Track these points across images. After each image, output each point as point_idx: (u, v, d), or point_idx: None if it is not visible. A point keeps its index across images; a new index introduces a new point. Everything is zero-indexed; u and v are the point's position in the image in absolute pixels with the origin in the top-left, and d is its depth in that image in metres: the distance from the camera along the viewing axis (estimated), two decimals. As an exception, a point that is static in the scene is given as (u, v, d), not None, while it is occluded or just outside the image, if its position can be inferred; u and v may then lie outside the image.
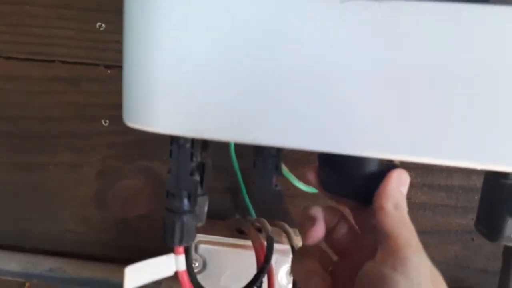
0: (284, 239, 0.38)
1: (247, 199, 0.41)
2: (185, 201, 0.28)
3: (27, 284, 0.48)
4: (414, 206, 0.41)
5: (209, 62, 0.23)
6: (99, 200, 0.45)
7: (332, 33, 0.21)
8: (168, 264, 0.29)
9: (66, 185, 0.46)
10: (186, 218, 0.28)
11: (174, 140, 0.27)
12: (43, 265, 0.45)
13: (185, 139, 0.27)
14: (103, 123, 0.45)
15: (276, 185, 0.28)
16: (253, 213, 0.42)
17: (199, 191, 0.30)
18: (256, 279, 0.34)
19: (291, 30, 0.22)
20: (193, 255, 0.39)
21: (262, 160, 0.26)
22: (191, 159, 0.27)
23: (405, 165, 0.25)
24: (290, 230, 0.38)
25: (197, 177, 0.28)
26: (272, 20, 0.22)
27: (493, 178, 0.27)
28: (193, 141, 0.27)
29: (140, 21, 0.23)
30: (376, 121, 0.22)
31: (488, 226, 0.27)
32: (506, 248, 0.28)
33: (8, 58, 0.44)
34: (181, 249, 0.29)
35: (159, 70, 0.23)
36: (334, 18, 0.21)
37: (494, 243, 0.27)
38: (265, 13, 0.22)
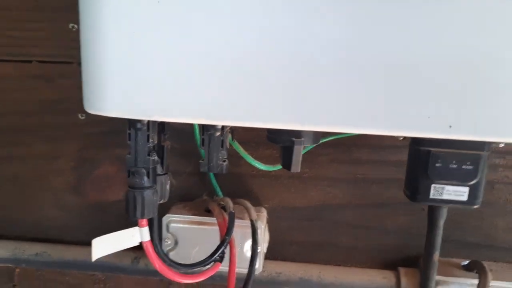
0: (246, 215, 0.42)
1: (213, 181, 0.45)
2: (145, 178, 0.31)
3: (17, 270, 0.52)
4: (368, 181, 0.45)
5: (153, 49, 0.26)
6: (77, 187, 0.49)
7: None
8: (133, 236, 0.33)
9: (45, 174, 0.49)
10: (146, 193, 0.31)
11: (131, 123, 0.30)
12: (29, 250, 0.49)
13: (141, 123, 0.30)
14: (80, 116, 0.48)
15: (224, 160, 0.31)
16: (220, 193, 0.45)
17: (160, 170, 0.34)
18: (217, 250, 0.37)
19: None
20: (165, 233, 0.43)
21: (208, 137, 0.30)
22: (147, 141, 0.31)
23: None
24: (252, 207, 0.42)
25: (154, 157, 0.32)
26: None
27: (412, 147, 0.30)
28: (149, 124, 0.31)
29: (88, 17, 0.26)
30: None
31: (411, 189, 0.30)
32: (429, 208, 0.31)
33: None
34: (144, 221, 0.33)
35: (108, 61, 0.26)
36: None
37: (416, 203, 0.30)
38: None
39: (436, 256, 0.33)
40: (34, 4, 0.46)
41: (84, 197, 0.49)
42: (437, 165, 0.29)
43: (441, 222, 0.31)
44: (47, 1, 0.45)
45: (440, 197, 0.29)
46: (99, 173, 0.48)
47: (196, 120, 0.27)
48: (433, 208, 0.31)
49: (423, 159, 0.29)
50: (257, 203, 0.46)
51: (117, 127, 0.45)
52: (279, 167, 0.40)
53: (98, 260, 0.47)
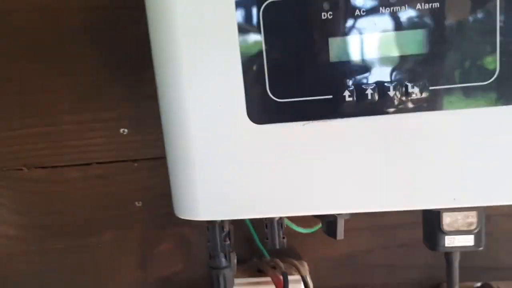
0: (294, 271, 0.50)
1: (260, 245, 0.53)
2: (223, 260, 0.40)
3: None
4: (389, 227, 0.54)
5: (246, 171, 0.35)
6: (142, 264, 0.57)
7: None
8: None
9: (115, 257, 0.57)
10: (226, 271, 0.40)
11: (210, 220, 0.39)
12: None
13: (217, 218, 0.39)
14: (137, 204, 0.56)
15: (283, 237, 0.40)
16: (266, 255, 0.54)
17: (229, 249, 0.42)
18: (280, 305, 0.45)
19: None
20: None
21: (271, 223, 0.39)
22: (223, 230, 0.40)
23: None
24: (298, 264, 0.50)
25: (228, 241, 0.40)
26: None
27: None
28: (222, 218, 0.40)
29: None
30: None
31: (430, 241, 0.39)
32: (446, 254, 0.40)
33: (54, 167, 0.56)
34: (226, 294, 0.41)
35: (198, 177, 0.35)
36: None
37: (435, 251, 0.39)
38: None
39: (457, 288, 0.41)
40: (92, 117, 0.55)
41: (148, 272, 0.57)
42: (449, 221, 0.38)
43: (457, 263, 0.40)
44: (102, 115, 0.54)
45: (453, 245, 0.38)
46: (161, 250, 0.57)
47: (266, 215, 0.36)
48: (449, 253, 0.40)
49: (436, 218, 0.38)
50: (298, 258, 0.55)
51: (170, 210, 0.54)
52: (316, 228, 0.49)
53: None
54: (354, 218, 0.54)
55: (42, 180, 0.56)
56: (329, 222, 0.40)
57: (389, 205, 0.35)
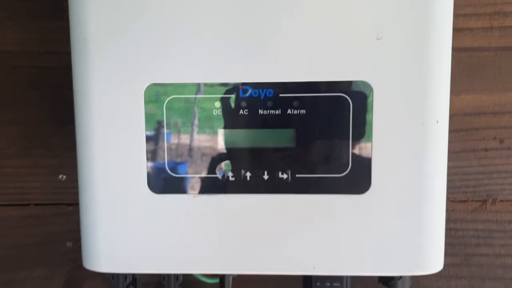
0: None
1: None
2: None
3: None
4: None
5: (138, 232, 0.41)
6: (68, 302, 0.62)
7: (193, 211, 0.41)
8: None
9: (43, 294, 0.62)
10: (126, 316, 0.46)
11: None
12: None
13: (121, 268, 0.45)
14: (67, 244, 0.62)
15: (180, 289, 0.46)
16: (180, 299, 0.60)
17: (134, 298, 0.48)
18: None
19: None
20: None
21: (168, 276, 0.45)
22: (126, 279, 0.45)
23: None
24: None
25: (130, 290, 0.46)
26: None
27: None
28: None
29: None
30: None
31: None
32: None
33: (-6, 205, 0.62)
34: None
35: (102, 234, 0.41)
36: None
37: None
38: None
39: None
40: (34, 162, 0.60)
41: (72, 309, 0.62)
42: (318, 284, 0.45)
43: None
44: (45, 161, 0.60)
45: (324, 305, 0.45)
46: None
47: (160, 272, 0.43)
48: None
49: (309, 281, 0.45)
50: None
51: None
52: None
53: None
54: (261, 281, 0.61)
55: (-19, 217, 0.62)
56: (221, 280, 0.46)
57: (261, 269, 0.41)
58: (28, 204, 0.62)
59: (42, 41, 0.58)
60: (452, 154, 0.58)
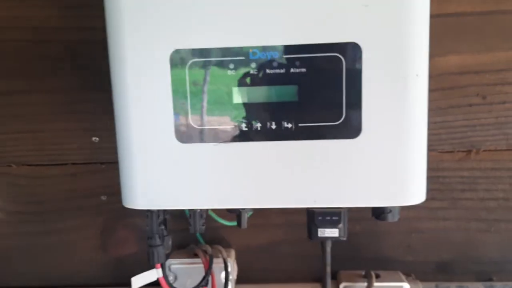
0: (220, 255, 0.65)
1: (198, 235, 0.68)
2: (158, 240, 0.54)
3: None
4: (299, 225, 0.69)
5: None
6: (104, 247, 0.71)
7: (213, 157, 0.49)
8: (153, 274, 0.55)
9: (81, 239, 0.71)
10: (159, 249, 0.54)
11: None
12: (72, 294, 0.70)
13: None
14: (102, 198, 0.71)
15: (203, 225, 0.55)
16: (202, 242, 0.68)
17: (165, 233, 0.57)
18: (203, 279, 0.60)
19: (195, 157, 0.49)
20: (168, 272, 0.65)
21: (193, 213, 0.54)
22: (158, 217, 0.54)
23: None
24: (223, 250, 0.65)
25: (162, 227, 0.55)
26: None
27: (306, 209, 0.54)
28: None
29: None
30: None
31: (309, 232, 0.54)
32: (321, 243, 0.56)
33: (37, 165, 0.70)
34: (158, 265, 0.55)
35: (138, 176, 0.50)
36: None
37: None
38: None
39: (329, 268, 0.57)
40: (70, 126, 0.69)
41: (109, 253, 0.71)
42: (319, 218, 0.53)
43: (329, 249, 0.55)
44: (79, 125, 0.69)
45: (324, 235, 0.53)
46: (119, 236, 0.71)
47: (188, 207, 0.51)
48: (323, 242, 0.56)
49: (312, 216, 0.53)
50: (227, 245, 0.70)
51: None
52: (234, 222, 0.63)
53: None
54: (273, 216, 0.69)
55: (26, 176, 0.70)
56: (238, 216, 0.55)
57: (271, 203, 0.50)
58: (66, 164, 0.70)
59: (78, 16, 0.65)
60: (439, 110, 0.65)
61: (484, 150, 0.66)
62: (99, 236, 0.71)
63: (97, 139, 0.69)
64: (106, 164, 0.70)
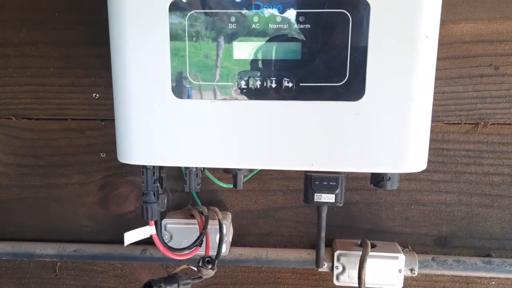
0: (216, 217, 0.64)
1: (195, 195, 0.68)
2: (152, 197, 0.54)
3: (58, 263, 0.74)
4: (297, 191, 0.68)
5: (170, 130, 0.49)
6: (103, 203, 0.71)
7: (210, 114, 0.48)
8: (147, 231, 0.55)
9: (80, 195, 0.71)
10: (153, 206, 0.54)
11: (143, 165, 0.53)
12: (69, 249, 0.71)
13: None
14: (102, 155, 0.70)
15: (198, 184, 0.54)
16: (199, 203, 0.68)
17: (160, 191, 0.56)
18: (198, 239, 0.60)
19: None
20: (164, 231, 0.65)
21: (189, 172, 0.53)
22: (153, 175, 0.53)
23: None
24: (218, 211, 0.64)
25: (157, 184, 0.54)
26: (183, 109, 0.48)
27: (304, 173, 0.53)
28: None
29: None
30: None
31: (305, 197, 0.53)
32: (317, 207, 0.55)
33: (37, 119, 0.70)
34: (152, 222, 0.55)
35: (134, 131, 0.49)
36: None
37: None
38: (180, 107, 0.48)
39: (323, 234, 0.56)
40: (71, 81, 0.68)
41: (107, 210, 0.71)
42: (316, 182, 0.52)
43: (324, 214, 0.55)
44: (80, 81, 0.68)
45: (320, 200, 0.52)
46: (117, 193, 0.71)
47: (183, 165, 0.50)
48: (318, 207, 0.55)
49: (309, 180, 0.52)
50: (224, 208, 0.69)
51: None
52: (231, 185, 0.63)
53: (116, 252, 0.70)
54: (271, 182, 0.68)
55: (26, 129, 0.70)
56: (234, 176, 0.54)
57: (267, 164, 0.49)
58: (66, 119, 0.70)
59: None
60: (449, 79, 0.63)
61: (492, 124, 0.63)
62: (98, 192, 0.71)
63: (97, 95, 0.68)
64: (106, 121, 0.69)
